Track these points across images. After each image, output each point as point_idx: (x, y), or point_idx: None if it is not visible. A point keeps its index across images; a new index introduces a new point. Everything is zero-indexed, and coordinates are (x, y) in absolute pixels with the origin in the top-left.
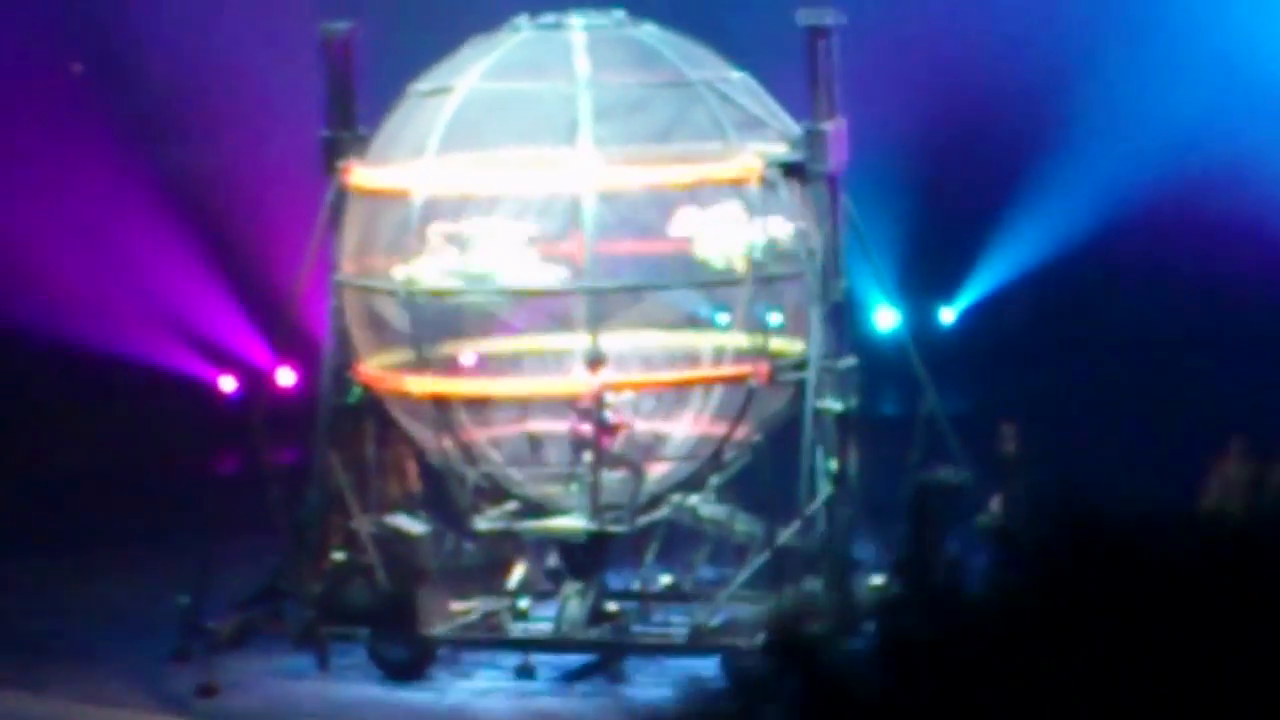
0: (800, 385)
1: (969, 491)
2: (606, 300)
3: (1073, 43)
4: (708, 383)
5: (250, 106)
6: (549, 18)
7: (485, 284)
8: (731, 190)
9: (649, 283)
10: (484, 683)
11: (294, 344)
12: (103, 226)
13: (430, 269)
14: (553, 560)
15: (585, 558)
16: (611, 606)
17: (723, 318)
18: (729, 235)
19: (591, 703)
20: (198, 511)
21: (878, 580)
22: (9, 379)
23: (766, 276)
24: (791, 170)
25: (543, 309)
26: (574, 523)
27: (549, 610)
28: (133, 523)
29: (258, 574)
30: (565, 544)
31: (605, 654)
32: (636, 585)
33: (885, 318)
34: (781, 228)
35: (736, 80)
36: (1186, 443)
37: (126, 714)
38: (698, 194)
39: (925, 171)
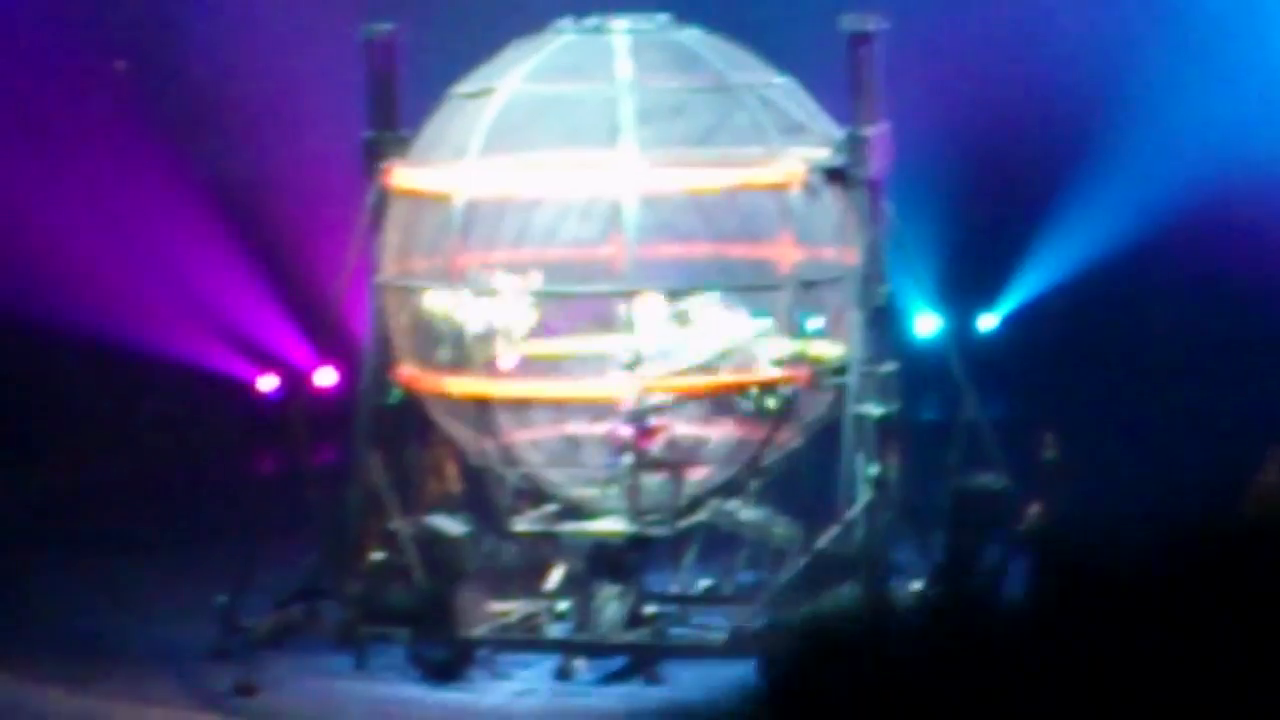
0: (841, 390)
1: (1008, 497)
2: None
3: (1116, 49)
4: (748, 387)
5: (293, 106)
6: (592, 21)
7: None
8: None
9: (689, 286)
10: (522, 684)
11: (335, 344)
12: (144, 224)
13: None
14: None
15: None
16: (650, 609)
17: (765, 324)
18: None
19: (629, 705)
20: (237, 510)
21: (916, 585)
22: (49, 377)
23: (808, 281)
24: (833, 175)
25: (583, 312)
26: (613, 526)
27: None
28: (172, 521)
29: (296, 573)
30: (595, 548)
31: (643, 657)
32: (675, 588)
33: (926, 323)
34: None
35: (779, 85)
36: (1226, 451)
37: (165, 712)
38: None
39: (967, 177)
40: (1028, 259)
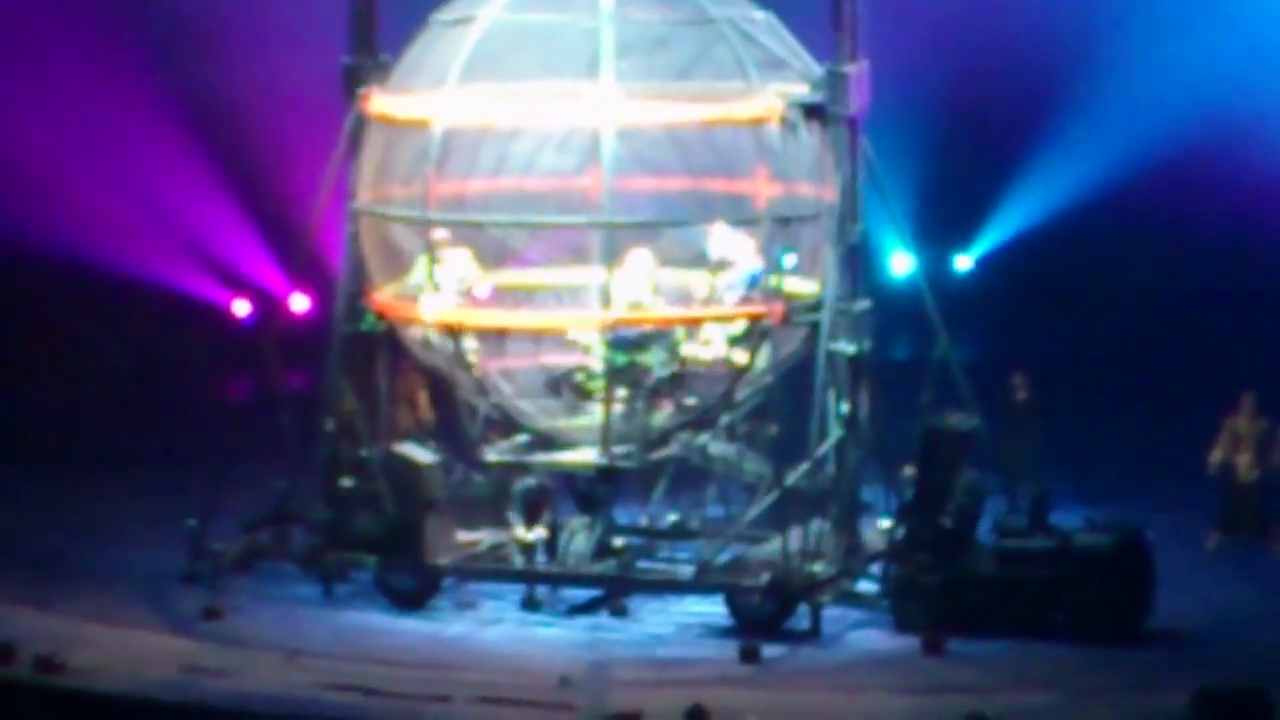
0: (814, 327)
1: (978, 438)
2: (622, 236)
3: None
4: (721, 321)
5: (272, 30)
6: None
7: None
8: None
9: (665, 219)
10: (488, 614)
11: (308, 270)
12: (121, 147)
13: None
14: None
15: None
16: (618, 542)
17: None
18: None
19: (594, 637)
20: (208, 434)
21: (885, 523)
22: (24, 298)
23: (783, 217)
24: (812, 112)
25: (559, 243)
26: (584, 457)
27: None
28: (144, 444)
29: (266, 499)
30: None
31: (610, 589)
32: (643, 521)
33: (900, 263)
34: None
35: (760, 20)
36: (1199, 397)
37: (133, 634)
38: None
39: (945, 118)
40: (1005, 201)
